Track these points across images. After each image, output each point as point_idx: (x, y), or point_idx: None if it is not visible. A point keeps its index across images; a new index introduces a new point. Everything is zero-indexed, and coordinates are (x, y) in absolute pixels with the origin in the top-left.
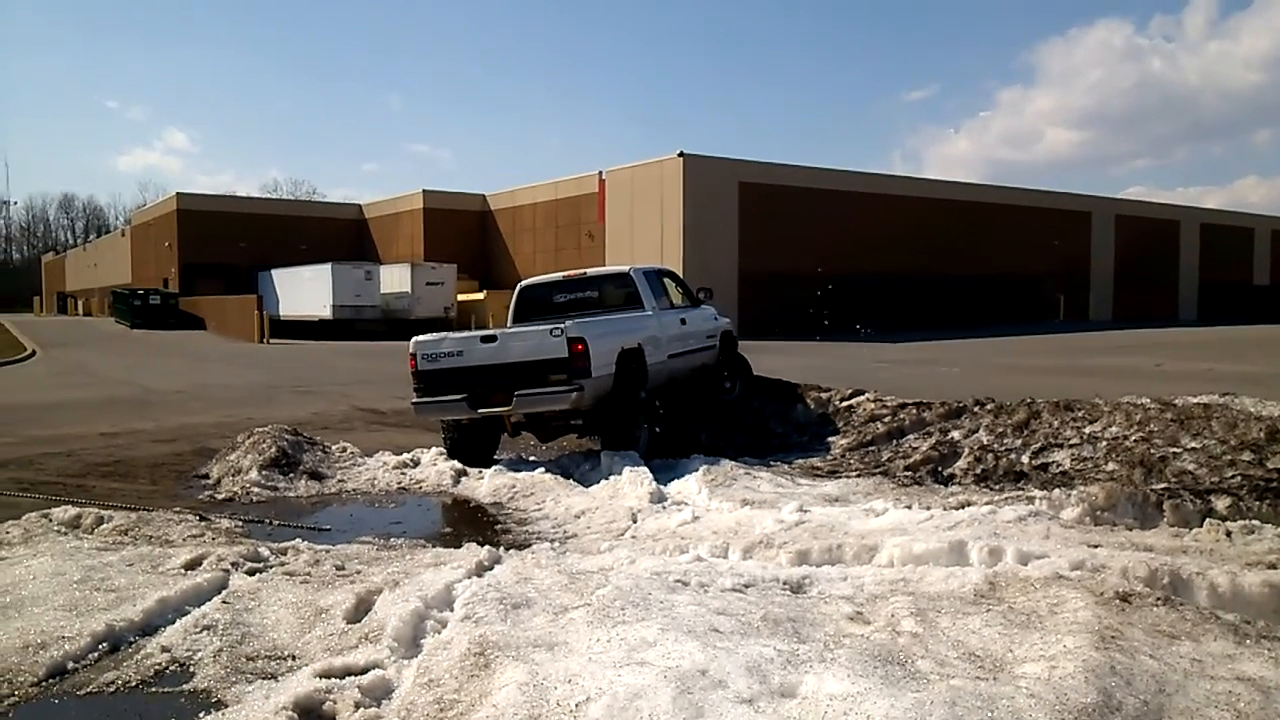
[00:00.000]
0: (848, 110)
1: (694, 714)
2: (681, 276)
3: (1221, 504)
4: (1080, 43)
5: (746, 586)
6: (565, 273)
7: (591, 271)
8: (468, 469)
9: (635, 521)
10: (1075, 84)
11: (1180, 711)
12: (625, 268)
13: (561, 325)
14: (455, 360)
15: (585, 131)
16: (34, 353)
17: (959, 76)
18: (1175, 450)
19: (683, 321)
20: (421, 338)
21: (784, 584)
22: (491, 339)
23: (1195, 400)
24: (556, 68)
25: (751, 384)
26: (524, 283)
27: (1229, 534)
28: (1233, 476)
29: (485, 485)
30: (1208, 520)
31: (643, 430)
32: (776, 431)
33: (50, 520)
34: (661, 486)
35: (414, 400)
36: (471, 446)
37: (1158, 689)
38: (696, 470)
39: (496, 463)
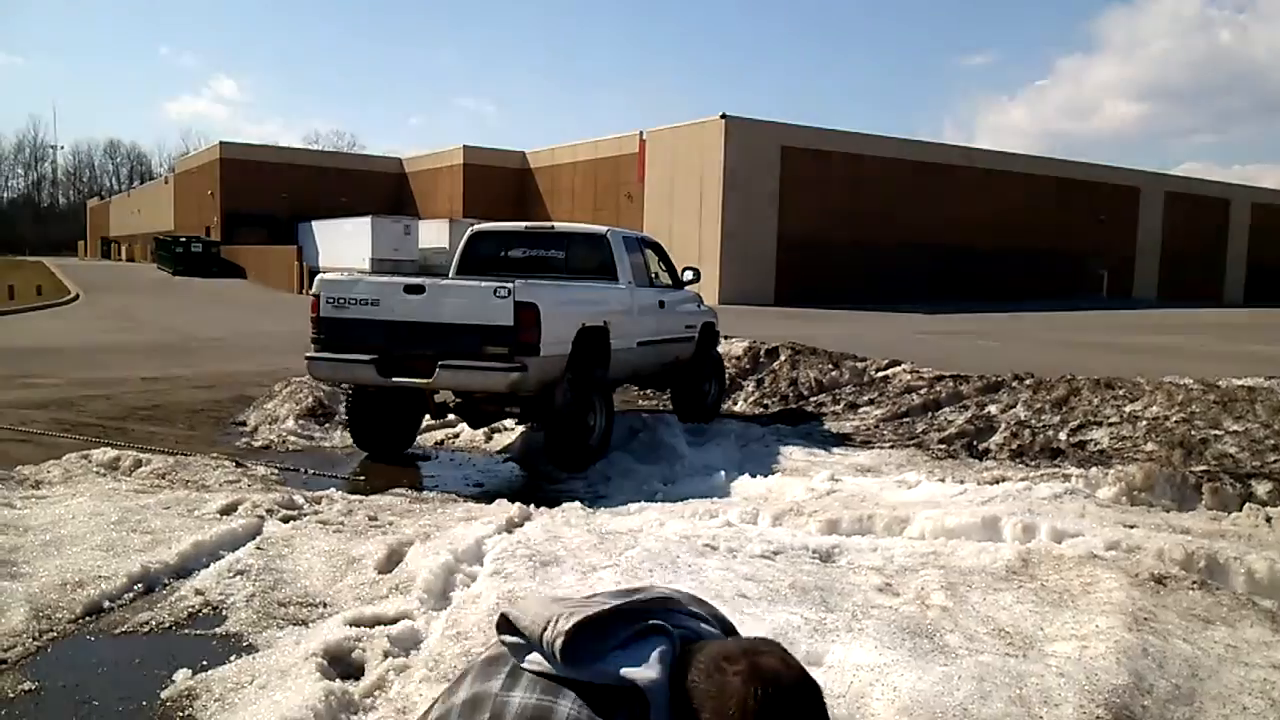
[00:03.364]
0: (902, 74)
1: None
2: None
3: (1262, 489)
4: (1147, 11)
5: (775, 553)
6: (529, 224)
7: (560, 227)
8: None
9: (666, 484)
10: (1139, 54)
11: (1213, 697)
12: (602, 229)
13: (509, 284)
14: (368, 310)
15: (633, 91)
16: (78, 296)
17: (1020, 42)
18: (1217, 432)
19: (660, 304)
20: (329, 276)
21: (813, 552)
22: (418, 289)
23: (1239, 382)
24: (611, 25)
25: (725, 388)
26: (475, 228)
27: (1269, 519)
28: (1275, 461)
29: (518, 443)
30: (1247, 505)
31: (598, 425)
32: (810, 399)
33: (90, 461)
34: (694, 450)
35: (308, 355)
36: (379, 425)
37: (1190, 673)
38: (729, 435)
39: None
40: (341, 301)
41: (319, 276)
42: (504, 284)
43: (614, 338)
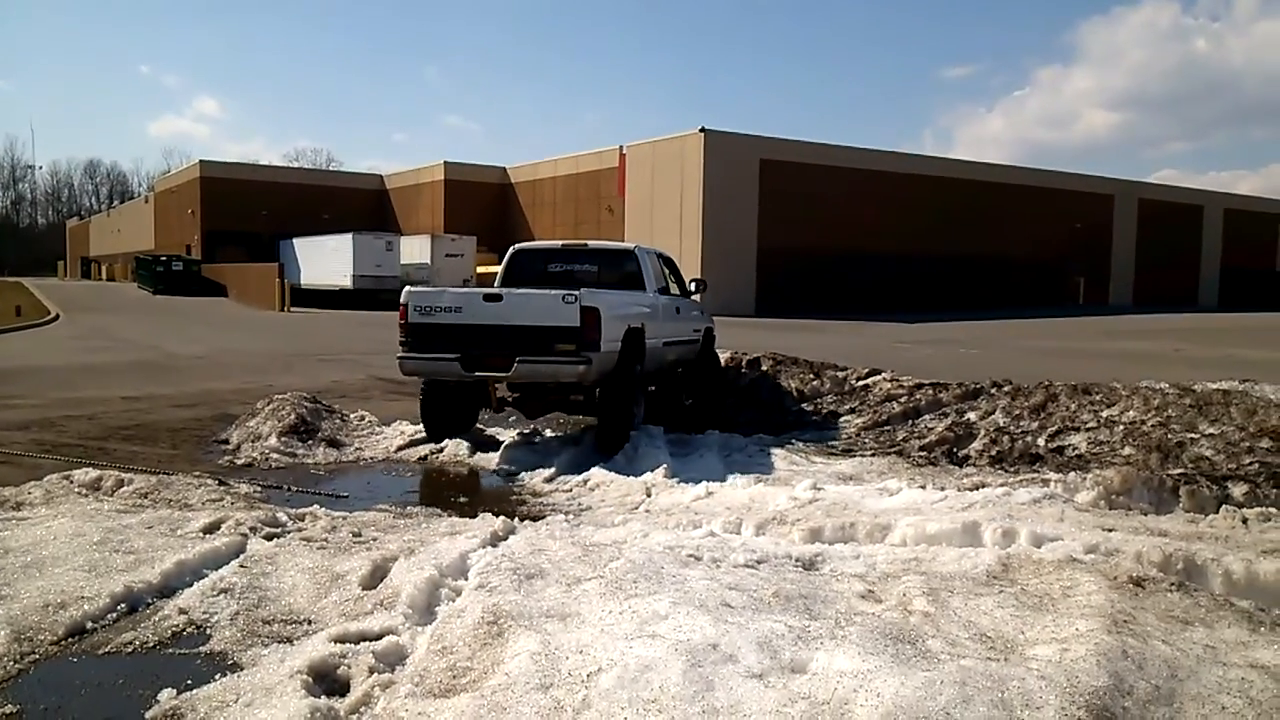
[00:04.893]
0: (881, 87)
1: (704, 687)
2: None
3: (1238, 491)
4: (1124, 22)
5: (759, 562)
6: (564, 241)
7: (593, 244)
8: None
9: (649, 495)
10: (1116, 64)
11: (1192, 697)
12: (630, 245)
13: (575, 293)
14: (452, 316)
15: (616, 106)
16: (57, 316)
17: (998, 54)
18: (1193, 436)
19: (677, 310)
20: (416, 288)
21: (796, 561)
22: (496, 298)
23: (1214, 386)
24: (594, 43)
25: (722, 384)
26: (518, 246)
27: (1245, 521)
28: (1251, 464)
29: (501, 456)
30: (1224, 507)
31: (640, 413)
32: (792, 409)
33: (71, 482)
34: (677, 461)
35: (400, 355)
36: (448, 413)
37: (1170, 674)
38: (712, 446)
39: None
40: (428, 309)
41: (407, 289)
42: (571, 292)
43: (648, 337)
